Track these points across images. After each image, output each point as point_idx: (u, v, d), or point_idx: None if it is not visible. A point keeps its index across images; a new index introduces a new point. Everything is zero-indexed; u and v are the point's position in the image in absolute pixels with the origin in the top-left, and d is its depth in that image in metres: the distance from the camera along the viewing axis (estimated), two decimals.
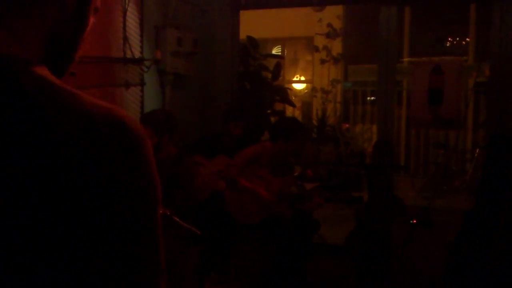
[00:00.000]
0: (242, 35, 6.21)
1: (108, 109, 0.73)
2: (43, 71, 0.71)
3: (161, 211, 2.45)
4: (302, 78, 11.00)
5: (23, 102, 0.66)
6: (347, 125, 9.65)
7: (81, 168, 0.67)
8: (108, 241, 0.71)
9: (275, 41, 10.67)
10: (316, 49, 10.07)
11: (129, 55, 4.22)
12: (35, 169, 0.65)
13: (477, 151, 8.11)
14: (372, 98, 9.65)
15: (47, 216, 0.66)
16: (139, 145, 0.76)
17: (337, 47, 10.06)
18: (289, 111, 8.88)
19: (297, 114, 9.61)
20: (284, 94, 7.08)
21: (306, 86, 10.96)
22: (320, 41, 10.00)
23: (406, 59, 9.44)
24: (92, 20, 0.83)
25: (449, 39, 10.03)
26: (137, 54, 4.32)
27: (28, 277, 0.66)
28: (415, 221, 4.53)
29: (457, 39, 10.00)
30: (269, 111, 6.81)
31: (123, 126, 0.73)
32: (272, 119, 6.53)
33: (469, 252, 4.29)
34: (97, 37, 3.88)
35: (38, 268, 0.66)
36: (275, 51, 10.48)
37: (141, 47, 4.39)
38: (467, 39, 9.68)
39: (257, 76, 6.69)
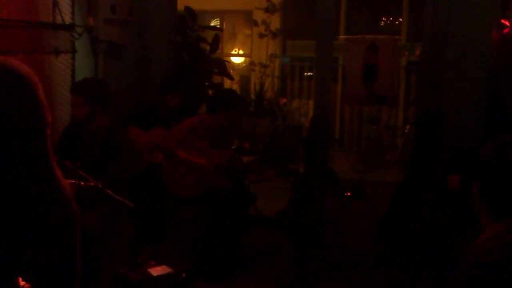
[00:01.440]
0: (180, 5, 6.06)
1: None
2: None
3: (92, 183, 2.36)
4: (241, 52, 10.94)
5: None
6: (284, 100, 9.72)
7: None
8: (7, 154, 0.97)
9: (214, 14, 10.52)
10: (255, 23, 10.01)
11: (59, 21, 4.00)
12: None
13: (408, 127, 8.41)
14: (309, 73, 9.74)
15: None
16: (22, 83, 1.03)
17: (275, 22, 10.05)
18: (227, 84, 8.82)
19: (235, 87, 9.57)
20: (222, 66, 7.01)
21: (244, 60, 10.92)
22: (259, 15, 9.95)
23: (342, 37, 9.58)
24: None
25: (383, 18, 10.24)
26: (67, 20, 4.11)
27: None
28: (349, 194, 4.64)
29: (391, 19, 10.23)
30: (207, 83, 6.73)
31: (7, 70, 1.01)
32: (210, 91, 6.46)
33: (399, 223, 4.46)
34: (24, 1, 3.65)
35: None
36: (214, 23, 10.33)
37: (72, 12, 4.17)
38: (400, 19, 9.93)
39: (195, 48, 6.57)
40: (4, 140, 0.99)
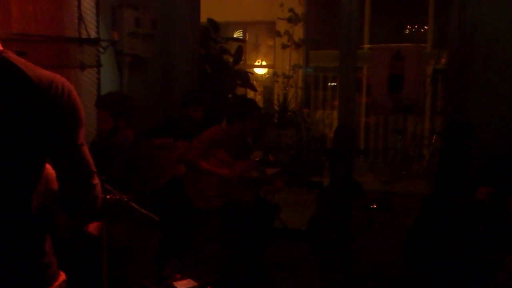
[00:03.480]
0: (203, 18, 6.09)
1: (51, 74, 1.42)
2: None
3: (118, 197, 2.37)
4: (264, 63, 10.94)
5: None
6: (306, 110, 9.68)
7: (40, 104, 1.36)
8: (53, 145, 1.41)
9: (237, 25, 10.56)
10: (278, 34, 10.02)
11: (84, 35, 4.05)
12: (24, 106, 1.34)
13: (434, 137, 8.27)
14: (333, 83, 9.69)
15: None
16: (65, 91, 1.43)
17: (298, 32, 10.03)
18: (250, 95, 8.82)
19: (258, 99, 9.57)
20: (245, 78, 7.02)
21: (268, 71, 10.92)
22: (282, 26, 9.95)
23: (366, 46, 9.52)
24: None
25: (408, 26, 10.15)
26: (92, 35, 4.16)
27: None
28: (374, 206, 4.57)
29: (416, 26, 10.13)
30: (230, 95, 6.74)
31: (59, 82, 1.43)
32: (228, 105, 6.46)
33: (427, 236, 4.36)
34: (50, 16, 3.71)
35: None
36: (237, 35, 10.37)
37: (97, 27, 4.22)
38: (426, 27, 9.82)
39: (218, 60, 6.60)
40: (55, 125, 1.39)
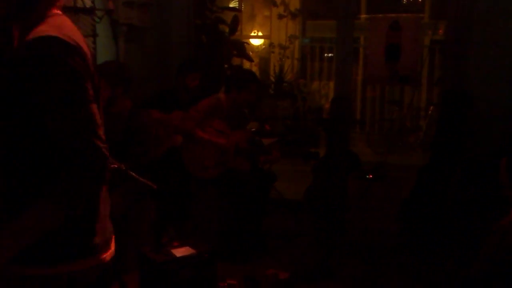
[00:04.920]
0: None
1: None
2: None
3: (116, 165, 2.37)
4: (260, 34, 10.84)
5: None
6: (302, 81, 9.64)
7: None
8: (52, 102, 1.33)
9: None
10: (274, 4, 9.90)
11: (79, 4, 4.00)
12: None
13: (431, 108, 8.28)
14: (330, 54, 9.63)
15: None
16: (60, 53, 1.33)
17: (295, 2, 9.92)
18: (247, 66, 8.77)
19: (255, 69, 9.51)
20: (241, 48, 6.95)
21: (264, 42, 10.83)
22: None
23: (363, 16, 9.43)
24: None
25: None
26: (88, 4, 4.10)
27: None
28: (370, 176, 4.60)
29: None
30: (226, 65, 6.69)
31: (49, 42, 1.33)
32: (229, 73, 6.42)
33: (422, 205, 4.41)
34: None
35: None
36: (232, 4, 10.24)
37: None
38: None
39: (214, 30, 6.52)
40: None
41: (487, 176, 3.77)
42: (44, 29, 1.34)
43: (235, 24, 7.01)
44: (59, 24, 1.38)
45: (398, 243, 4.36)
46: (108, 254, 1.50)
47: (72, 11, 3.97)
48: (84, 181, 1.36)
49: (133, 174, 2.71)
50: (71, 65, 1.33)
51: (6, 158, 1.39)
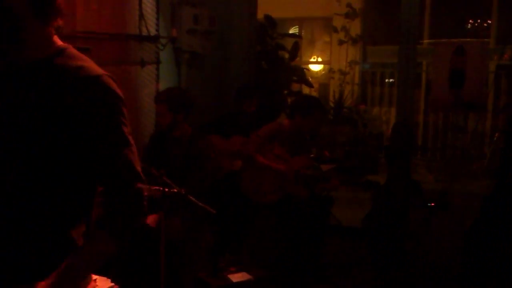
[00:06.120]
0: (260, 14, 6.11)
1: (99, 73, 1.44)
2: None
3: (176, 190, 2.42)
4: (319, 59, 10.86)
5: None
6: (363, 106, 9.54)
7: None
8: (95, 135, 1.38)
9: (293, 21, 10.52)
10: (335, 30, 9.90)
11: (144, 32, 4.16)
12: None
13: (496, 135, 7.98)
14: (391, 80, 9.50)
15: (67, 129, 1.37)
16: (109, 91, 1.43)
17: (355, 27, 9.89)
18: (306, 92, 8.79)
19: (314, 95, 9.51)
20: (301, 74, 6.98)
21: (323, 68, 10.83)
22: (338, 22, 9.84)
23: (426, 41, 9.27)
24: None
25: (470, 21, 9.79)
26: (153, 32, 4.27)
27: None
28: (433, 204, 4.46)
29: (479, 21, 9.76)
30: (286, 91, 6.73)
31: (101, 81, 1.42)
32: (289, 99, 6.45)
33: (487, 237, 4.22)
34: (112, 14, 3.83)
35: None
36: (293, 31, 10.34)
37: (157, 24, 4.32)
38: (489, 21, 9.45)
39: (274, 56, 6.59)
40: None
41: None
42: (85, 66, 1.42)
43: (295, 50, 7.07)
44: (86, 59, 1.46)
45: (461, 276, 4.18)
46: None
47: (137, 39, 4.13)
48: (131, 219, 1.44)
49: (192, 198, 2.75)
50: (124, 103, 1.45)
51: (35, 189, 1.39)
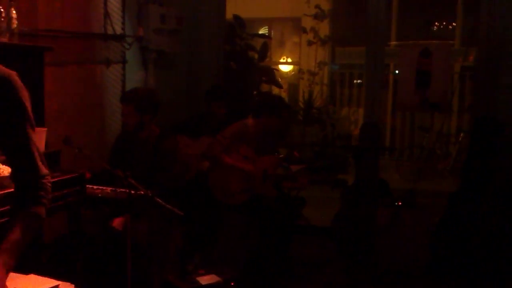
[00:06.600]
0: (229, 14, 6.09)
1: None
2: None
3: (143, 192, 2.39)
4: (289, 60, 10.90)
5: None
6: (331, 107, 9.62)
7: None
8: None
9: (262, 22, 10.53)
10: (304, 30, 9.95)
11: (110, 31, 4.09)
12: None
13: (462, 134, 8.14)
14: (359, 81, 9.60)
15: None
16: (13, 88, 1.56)
17: (324, 28, 9.96)
18: (276, 92, 8.81)
19: (284, 95, 9.53)
20: (270, 75, 7.01)
21: (293, 68, 10.87)
22: (307, 23, 9.89)
23: (393, 43, 9.40)
24: None
25: (436, 23, 9.98)
26: (118, 31, 4.20)
27: None
28: (400, 203, 4.51)
29: (444, 23, 9.95)
30: (255, 92, 6.73)
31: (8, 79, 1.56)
32: (258, 99, 6.45)
33: (453, 234, 4.30)
34: (77, 12, 3.75)
35: None
36: (262, 31, 10.35)
37: (123, 23, 4.26)
38: (454, 23, 9.64)
39: (243, 56, 6.59)
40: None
41: None
42: None
43: (265, 50, 7.09)
44: None
45: (428, 271, 4.25)
46: None
47: (102, 38, 4.06)
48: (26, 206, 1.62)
49: (159, 200, 2.71)
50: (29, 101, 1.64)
51: None
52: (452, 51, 7.68)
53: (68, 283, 1.58)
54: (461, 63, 8.51)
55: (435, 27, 9.95)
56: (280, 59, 10.91)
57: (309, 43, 9.90)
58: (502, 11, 4.42)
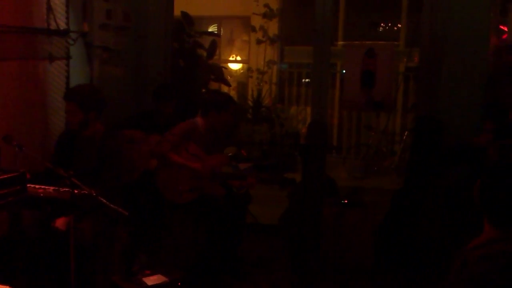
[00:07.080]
0: (177, 11, 6.03)
1: None
2: None
3: (86, 191, 2.37)
4: (238, 58, 10.91)
5: None
6: (280, 106, 9.70)
7: None
8: None
9: (211, 20, 10.49)
10: (253, 29, 9.99)
11: (53, 26, 3.97)
12: None
13: (406, 133, 8.37)
14: (307, 80, 9.71)
15: None
16: None
17: (273, 27, 10.03)
18: (225, 90, 8.79)
19: (233, 94, 9.52)
20: (219, 73, 6.99)
21: (242, 66, 10.89)
22: (257, 21, 9.93)
23: (340, 43, 9.56)
24: None
25: (382, 24, 10.23)
26: (62, 26, 4.08)
27: None
28: (346, 201, 4.60)
29: (390, 24, 10.22)
30: (203, 90, 6.71)
31: None
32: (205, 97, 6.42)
33: (397, 230, 4.42)
34: (17, 6, 3.61)
35: None
36: (211, 29, 10.32)
37: (67, 18, 4.13)
38: (399, 25, 9.92)
39: (192, 54, 6.55)
40: None
41: (461, 199, 3.82)
42: None
43: (213, 48, 7.06)
44: None
45: (373, 268, 4.34)
46: None
47: (45, 33, 3.93)
48: None
49: (103, 200, 2.66)
50: None
51: None
52: (397, 51, 7.89)
53: (7, 287, 1.53)
54: (406, 63, 8.76)
55: (381, 28, 10.20)
56: (229, 57, 10.90)
57: (258, 42, 9.94)
58: (444, 12, 4.57)
